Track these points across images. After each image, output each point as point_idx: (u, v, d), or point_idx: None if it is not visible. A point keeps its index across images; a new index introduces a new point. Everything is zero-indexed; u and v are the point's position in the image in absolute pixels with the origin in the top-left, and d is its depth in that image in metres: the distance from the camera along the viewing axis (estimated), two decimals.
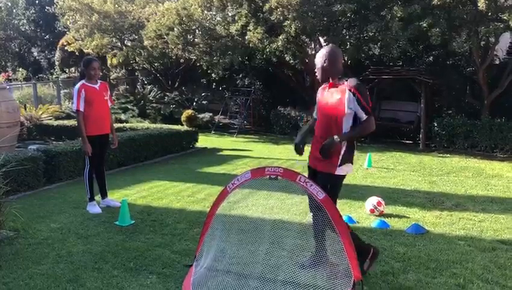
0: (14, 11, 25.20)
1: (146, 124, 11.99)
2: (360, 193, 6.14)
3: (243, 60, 13.12)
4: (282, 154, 10.19)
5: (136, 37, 14.86)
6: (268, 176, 3.33)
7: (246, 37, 11.42)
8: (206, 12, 12.94)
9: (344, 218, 3.66)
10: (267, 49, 11.39)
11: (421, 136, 11.26)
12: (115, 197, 5.92)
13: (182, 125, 10.96)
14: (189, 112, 11.25)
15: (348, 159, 3.53)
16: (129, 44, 15.39)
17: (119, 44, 15.71)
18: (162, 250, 4.18)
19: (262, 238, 3.98)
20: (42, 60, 24.66)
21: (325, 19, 11.02)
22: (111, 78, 17.89)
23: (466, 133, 10.47)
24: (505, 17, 9.04)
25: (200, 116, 13.08)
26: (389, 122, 11.99)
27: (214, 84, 16.18)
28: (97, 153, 5.37)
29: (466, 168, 8.53)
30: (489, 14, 9.34)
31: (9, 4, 25.30)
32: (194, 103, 15.17)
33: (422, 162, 9.14)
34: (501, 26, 9.17)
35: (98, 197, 5.61)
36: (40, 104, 13.68)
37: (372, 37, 11.08)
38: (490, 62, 10.77)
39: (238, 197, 5.62)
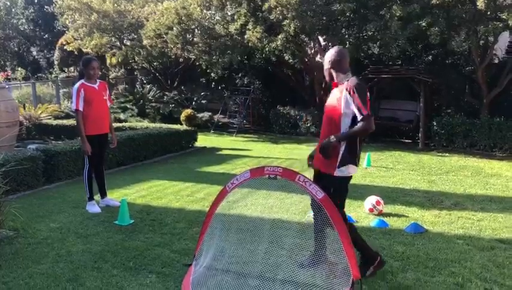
0: (13, 10, 25.17)
1: (145, 123, 11.99)
2: (359, 192, 6.15)
3: (242, 60, 13.13)
4: (281, 153, 10.19)
5: (135, 36, 14.85)
6: (267, 176, 3.34)
7: (245, 36, 11.42)
8: (205, 11, 12.93)
9: None
10: (266, 49, 11.40)
11: (420, 135, 11.27)
12: (114, 196, 5.92)
13: (181, 124, 10.96)
14: (189, 111, 11.25)
15: (349, 160, 3.48)
16: (128, 43, 15.38)
17: (118, 43, 15.69)
18: (161, 249, 4.18)
19: (261, 237, 3.99)
20: (41, 60, 24.63)
21: (324, 18, 11.02)
22: (110, 77, 17.88)
23: (465, 132, 10.49)
24: (504, 16, 9.05)
25: (199, 115, 13.08)
26: (388, 122, 11.99)
27: (213, 83, 16.19)
28: (96, 152, 5.38)
29: (465, 167, 8.54)
30: (489, 13, 9.35)
31: (8, 3, 25.26)
32: (193, 102, 15.16)
33: (422, 161, 9.16)
34: (500, 25, 9.18)
35: (97, 197, 5.61)
36: (39, 104, 13.68)
37: (372, 36, 11.09)
38: (489, 61, 10.78)
39: (237, 197, 5.63)
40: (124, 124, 11.25)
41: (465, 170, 8.26)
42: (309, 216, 5.02)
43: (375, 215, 5.26)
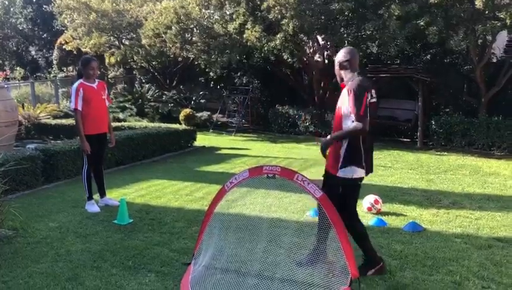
0: (12, 9, 25.10)
1: (144, 123, 11.99)
2: None
3: (240, 59, 13.12)
4: (280, 152, 10.20)
5: (134, 35, 14.84)
6: (266, 175, 3.36)
7: (244, 36, 11.42)
8: (204, 10, 12.93)
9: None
10: (265, 48, 11.41)
11: (418, 134, 11.30)
12: (114, 196, 5.92)
13: (180, 124, 10.96)
14: (187, 110, 11.26)
15: (351, 161, 3.47)
16: (127, 43, 15.37)
17: (117, 43, 15.69)
18: (160, 248, 4.20)
19: (260, 236, 4.01)
20: (40, 59, 24.58)
21: (323, 17, 11.03)
22: (109, 76, 17.86)
23: (463, 131, 10.51)
24: (502, 16, 9.07)
25: (198, 115, 13.07)
26: (386, 121, 12.01)
27: (212, 82, 16.18)
28: (95, 152, 5.39)
29: (463, 166, 8.57)
30: (487, 12, 9.36)
31: (7, 2, 25.20)
32: (192, 102, 15.15)
33: (420, 160, 9.18)
34: (498, 24, 9.19)
35: (96, 196, 5.62)
36: (38, 103, 13.65)
37: (370, 36, 11.11)
38: (487, 60, 10.80)
39: (236, 196, 5.63)
40: (122, 123, 11.25)
41: (463, 169, 8.28)
42: (307, 215, 5.06)
43: (374, 214, 5.28)
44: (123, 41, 15.75)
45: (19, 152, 6.53)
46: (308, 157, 9.14)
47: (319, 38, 12.45)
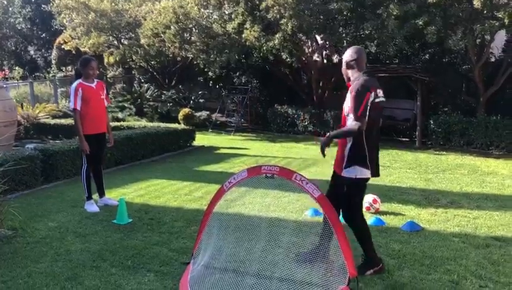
0: (10, 9, 25.06)
1: (143, 122, 12.00)
2: None
3: (239, 58, 13.13)
4: (279, 152, 10.22)
5: (133, 35, 14.83)
6: (264, 175, 3.37)
7: (243, 35, 11.43)
8: (202, 10, 12.93)
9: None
10: (264, 48, 11.41)
11: (417, 133, 11.32)
12: (113, 195, 5.93)
13: (179, 123, 10.97)
14: (186, 110, 11.27)
15: (355, 161, 3.48)
16: (126, 42, 15.37)
17: (116, 42, 15.68)
18: (159, 248, 4.21)
19: (258, 236, 4.02)
20: (39, 59, 24.55)
21: (322, 17, 11.04)
22: (108, 76, 17.86)
23: (462, 130, 10.53)
24: (500, 15, 9.09)
25: (197, 114, 13.08)
26: (385, 120, 12.02)
27: (211, 82, 16.18)
28: (94, 151, 5.40)
29: (462, 166, 8.59)
30: (485, 12, 9.37)
31: (5, 2, 25.16)
32: (191, 101, 15.16)
33: (418, 160, 9.19)
34: (496, 24, 9.21)
35: (95, 196, 5.63)
36: (37, 103, 13.65)
37: (369, 35, 11.12)
38: (486, 60, 10.82)
39: (234, 196, 5.65)
40: (122, 123, 11.26)
41: (461, 168, 8.30)
42: (306, 215, 5.08)
43: (372, 213, 5.29)
44: (122, 41, 15.75)
45: (18, 152, 6.54)
46: (307, 157, 9.16)
47: (318, 38, 12.46)
